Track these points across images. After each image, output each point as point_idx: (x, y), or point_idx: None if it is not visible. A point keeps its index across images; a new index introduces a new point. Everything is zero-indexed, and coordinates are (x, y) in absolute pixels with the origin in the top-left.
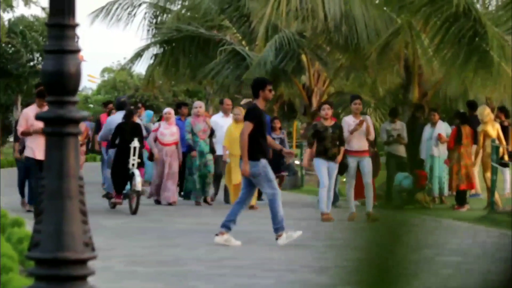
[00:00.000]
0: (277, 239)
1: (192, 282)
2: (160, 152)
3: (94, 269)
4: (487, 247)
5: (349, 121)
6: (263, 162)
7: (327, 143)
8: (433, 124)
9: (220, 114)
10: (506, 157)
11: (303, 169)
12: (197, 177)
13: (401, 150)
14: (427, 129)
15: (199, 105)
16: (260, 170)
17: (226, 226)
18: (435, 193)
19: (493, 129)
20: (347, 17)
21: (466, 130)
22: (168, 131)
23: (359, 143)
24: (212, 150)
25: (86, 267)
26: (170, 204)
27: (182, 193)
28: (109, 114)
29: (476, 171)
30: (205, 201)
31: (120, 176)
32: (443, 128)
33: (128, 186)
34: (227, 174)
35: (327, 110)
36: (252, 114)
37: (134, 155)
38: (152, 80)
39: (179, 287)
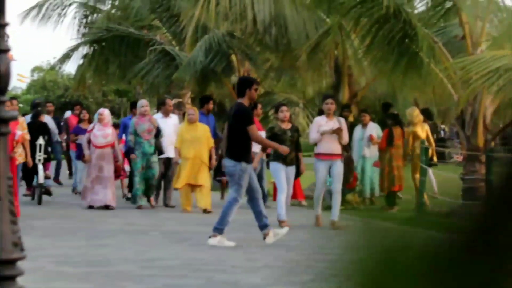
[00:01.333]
0: (210, 237)
1: (122, 283)
2: (93, 154)
3: (23, 269)
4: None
5: (320, 121)
6: (243, 166)
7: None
8: (364, 125)
9: (159, 114)
10: (435, 158)
11: None
12: (139, 180)
13: None
14: (358, 130)
15: (145, 104)
16: (237, 172)
17: (218, 229)
18: (366, 194)
19: (422, 130)
20: (277, 18)
21: (397, 131)
22: (101, 132)
23: (330, 145)
24: (160, 151)
25: (15, 267)
26: (106, 207)
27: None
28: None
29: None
30: (149, 201)
31: (28, 171)
32: (374, 129)
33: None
34: (177, 176)
35: (285, 112)
36: (250, 115)
37: (40, 151)
38: (82, 79)
39: (108, 287)
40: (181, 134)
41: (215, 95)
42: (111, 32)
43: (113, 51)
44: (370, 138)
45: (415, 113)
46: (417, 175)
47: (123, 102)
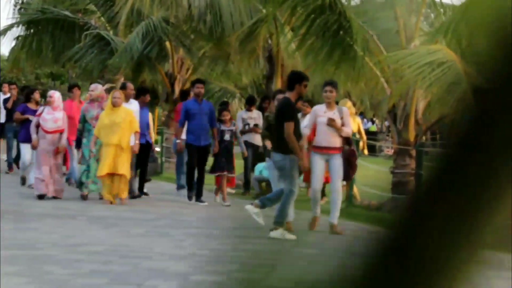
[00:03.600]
0: (271, 230)
1: (48, 267)
2: (43, 139)
3: None
4: (343, 240)
5: (319, 110)
6: (292, 157)
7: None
8: (303, 116)
9: None
10: (365, 151)
11: (163, 156)
12: (85, 168)
13: (258, 139)
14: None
15: (94, 88)
16: (287, 164)
17: (279, 222)
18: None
19: (354, 122)
20: (212, 6)
21: None
22: (51, 116)
23: (328, 138)
24: None
25: None
26: (54, 197)
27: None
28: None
29: None
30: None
31: None
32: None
33: None
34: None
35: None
36: (289, 112)
37: None
38: (15, 61)
39: (34, 271)
40: (101, 119)
41: (148, 81)
42: (46, 15)
43: (48, 33)
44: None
45: (347, 105)
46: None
47: (56, 85)
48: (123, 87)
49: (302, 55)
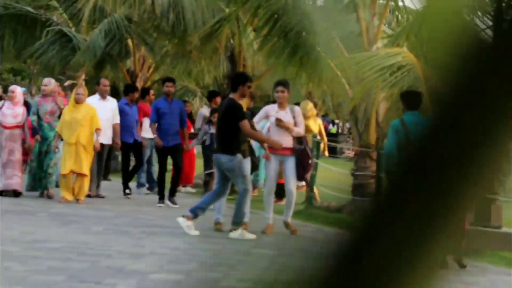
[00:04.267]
0: (231, 231)
1: (6, 263)
2: (1, 135)
3: None
4: (302, 241)
5: (270, 110)
6: (239, 157)
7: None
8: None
9: (96, 96)
10: (326, 153)
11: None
12: (34, 166)
13: None
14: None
15: (47, 83)
16: (236, 165)
17: (193, 212)
18: (260, 184)
19: (315, 124)
20: (175, 4)
21: None
22: (11, 111)
23: (280, 138)
24: None
25: None
26: (14, 192)
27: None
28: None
29: None
30: (42, 195)
31: None
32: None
33: None
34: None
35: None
36: (241, 111)
37: None
38: None
39: None
40: (63, 116)
41: (110, 79)
42: (8, 10)
43: (9, 29)
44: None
45: (309, 107)
46: None
47: (17, 81)
48: (97, 84)
49: (264, 55)
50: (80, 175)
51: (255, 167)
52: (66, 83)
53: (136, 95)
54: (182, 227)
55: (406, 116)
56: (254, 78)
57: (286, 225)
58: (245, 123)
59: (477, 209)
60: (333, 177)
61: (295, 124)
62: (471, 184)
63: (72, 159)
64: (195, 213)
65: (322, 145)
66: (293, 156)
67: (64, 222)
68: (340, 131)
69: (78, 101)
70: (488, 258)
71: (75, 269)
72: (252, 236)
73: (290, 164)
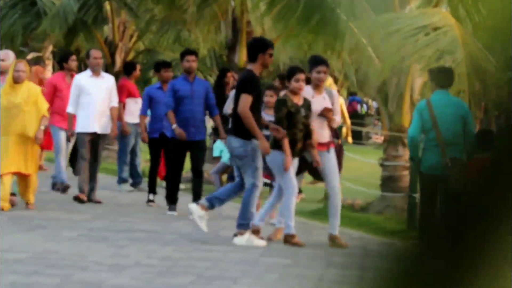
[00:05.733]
0: (235, 235)
1: None
2: None
3: None
4: (320, 248)
5: (306, 95)
6: (254, 144)
7: (297, 132)
8: None
9: (88, 72)
10: (349, 139)
11: None
12: None
13: None
14: None
15: (5, 57)
16: (249, 152)
17: (210, 201)
18: None
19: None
20: None
21: None
22: None
23: (317, 131)
24: None
25: None
26: None
27: None
28: None
29: None
30: None
31: None
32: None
33: None
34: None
35: (301, 82)
36: (250, 84)
37: None
38: None
39: None
40: (1, 100)
41: (83, 50)
42: None
43: None
44: None
45: (328, 83)
46: None
47: None
48: (87, 56)
49: (273, 20)
50: (22, 175)
51: (305, 167)
52: (29, 56)
53: (171, 73)
54: (193, 217)
55: (435, 95)
56: None
57: (333, 239)
58: (246, 97)
59: None
60: (358, 168)
61: (333, 112)
62: None
63: (13, 156)
64: (211, 202)
65: (344, 130)
66: (332, 151)
67: (29, 227)
68: (366, 111)
69: (17, 80)
70: None
71: (43, 284)
72: (261, 243)
73: (331, 161)
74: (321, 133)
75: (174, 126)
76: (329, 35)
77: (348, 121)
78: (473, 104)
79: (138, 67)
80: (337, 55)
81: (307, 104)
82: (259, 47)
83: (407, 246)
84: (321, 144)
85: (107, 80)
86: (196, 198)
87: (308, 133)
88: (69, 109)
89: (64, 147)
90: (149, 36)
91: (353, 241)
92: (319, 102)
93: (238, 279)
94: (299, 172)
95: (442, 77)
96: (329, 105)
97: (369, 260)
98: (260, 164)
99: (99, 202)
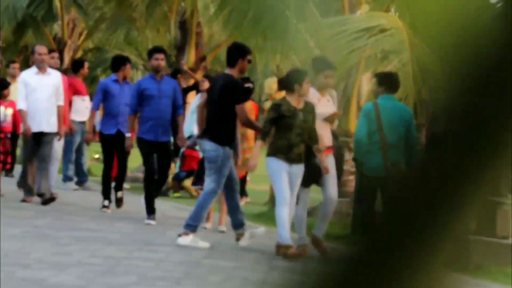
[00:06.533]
0: (180, 235)
1: None
2: None
3: None
4: (266, 250)
5: (312, 97)
6: (227, 150)
7: (292, 136)
8: (203, 93)
9: (33, 69)
10: None
11: None
12: None
13: None
14: (197, 100)
15: None
16: (220, 157)
17: (191, 226)
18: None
19: None
20: None
21: (248, 106)
22: None
23: (325, 135)
24: None
25: None
26: None
27: None
28: None
29: None
30: None
31: None
32: None
33: None
34: None
35: (306, 84)
36: (241, 92)
37: None
38: None
39: None
40: None
41: (31, 46)
42: None
43: None
44: None
45: (275, 86)
46: None
47: None
48: (32, 53)
49: (223, 21)
50: None
51: (315, 177)
52: None
53: (129, 68)
54: (187, 245)
55: (381, 100)
56: (209, 49)
57: (317, 242)
58: (243, 107)
59: (480, 216)
60: None
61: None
62: (475, 186)
63: None
64: (193, 224)
65: None
66: (331, 156)
67: None
68: None
69: None
70: (492, 274)
71: None
72: (205, 245)
73: (331, 165)
74: (326, 137)
75: (128, 135)
76: (277, 38)
77: None
78: (419, 106)
79: (86, 65)
80: (285, 58)
81: (309, 108)
82: (239, 52)
83: (349, 250)
84: (327, 148)
85: (54, 77)
86: (151, 208)
87: (311, 138)
88: (20, 105)
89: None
90: (98, 34)
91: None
92: (324, 105)
93: (181, 280)
94: (307, 183)
95: (388, 82)
96: (329, 108)
97: (311, 265)
98: (226, 172)
99: (53, 199)
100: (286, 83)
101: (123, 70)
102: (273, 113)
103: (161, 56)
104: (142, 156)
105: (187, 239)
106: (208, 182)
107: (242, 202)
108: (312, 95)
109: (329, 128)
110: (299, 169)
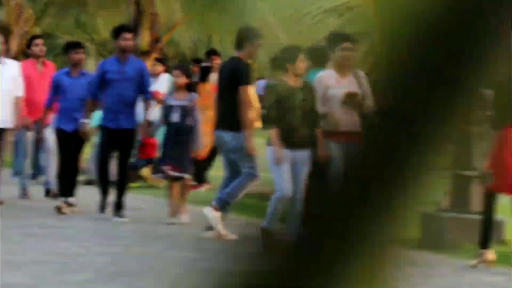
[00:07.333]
0: (211, 207)
1: None
2: None
3: None
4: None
5: (327, 80)
6: (242, 137)
7: (293, 119)
8: (156, 78)
9: None
10: (258, 124)
11: None
12: None
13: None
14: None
15: None
16: (242, 144)
17: (224, 204)
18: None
19: None
20: None
21: (206, 88)
22: None
23: (347, 117)
24: None
25: None
26: None
27: None
28: None
29: None
30: None
31: None
32: (165, 83)
33: None
34: None
35: (300, 63)
36: (247, 74)
37: None
38: None
39: None
40: None
41: None
42: None
43: None
44: (155, 96)
45: None
46: None
47: None
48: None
49: (178, 1)
50: None
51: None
52: None
53: (82, 55)
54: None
55: (311, 74)
56: (164, 30)
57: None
58: (248, 89)
59: (454, 192)
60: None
61: (363, 97)
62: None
63: None
64: (223, 202)
65: (254, 114)
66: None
67: None
68: None
69: None
70: (467, 253)
71: None
72: (223, 231)
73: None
74: (353, 120)
75: (84, 121)
76: (235, 16)
77: (257, 105)
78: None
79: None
80: None
81: (307, 87)
82: (246, 36)
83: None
84: (348, 134)
85: (11, 68)
86: (119, 196)
87: (314, 120)
88: None
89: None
90: (46, 20)
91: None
92: (345, 87)
93: (141, 275)
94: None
95: (316, 56)
96: (353, 89)
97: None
98: (255, 153)
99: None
100: (278, 63)
101: (74, 55)
102: (270, 96)
103: (129, 35)
104: (99, 144)
105: (214, 214)
106: (244, 169)
107: (203, 189)
108: (329, 76)
109: (352, 111)
110: (303, 156)
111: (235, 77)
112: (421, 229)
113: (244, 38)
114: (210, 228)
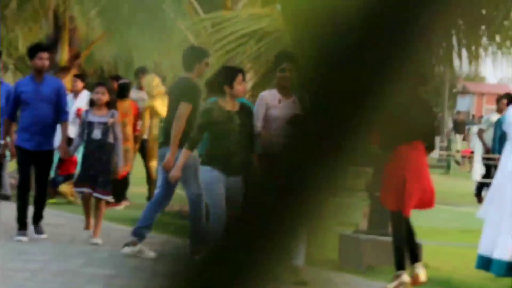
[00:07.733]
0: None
1: None
2: None
3: None
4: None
5: (269, 99)
6: (193, 155)
7: (230, 144)
8: (76, 95)
9: None
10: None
11: None
12: None
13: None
14: (69, 101)
15: None
16: (191, 163)
17: (139, 234)
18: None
19: (163, 105)
20: None
21: (124, 105)
22: None
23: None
24: None
25: None
26: None
27: None
28: None
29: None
30: None
31: None
32: (86, 100)
33: None
34: None
35: (243, 84)
36: (191, 92)
37: None
38: None
39: None
40: None
41: None
42: None
43: None
44: (78, 113)
45: (155, 83)
46: (153, 163)
47: None
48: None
49: (98, 16)
50: None
51: None
52: None
53: (46, 60)
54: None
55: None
56: (84, 46)
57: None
58: (187, 106)
59: (371, 215)
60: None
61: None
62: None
63: None
64: (140, 235)
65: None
66: None
67: None
68: None
69: None
70: (385, 274)
71: None
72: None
73: None
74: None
75: (2, 142)
76: (156, 34)
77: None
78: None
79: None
80: (165, 54)
81: (246, 110)
82: (195, 57)
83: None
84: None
85: None
86: (36, 219)
87: (251, 144)
88: None
89: None
90: None
91: (179, 250)
92: (288, 106)
93: None
94: None
95: (186, 60)
96: (290, 110)
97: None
98: (199, 174)
99: None
100: (214, 85)
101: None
102: (203, 119)
103: (45, 55)
104: (18, 165)
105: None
106: (191, 191)
107: (122, 206)
108: (272, 96)
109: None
110: (238, 182)
111: (181, 95)
112: (338, 250)
113: (191, 58)
114: (128, 244)
